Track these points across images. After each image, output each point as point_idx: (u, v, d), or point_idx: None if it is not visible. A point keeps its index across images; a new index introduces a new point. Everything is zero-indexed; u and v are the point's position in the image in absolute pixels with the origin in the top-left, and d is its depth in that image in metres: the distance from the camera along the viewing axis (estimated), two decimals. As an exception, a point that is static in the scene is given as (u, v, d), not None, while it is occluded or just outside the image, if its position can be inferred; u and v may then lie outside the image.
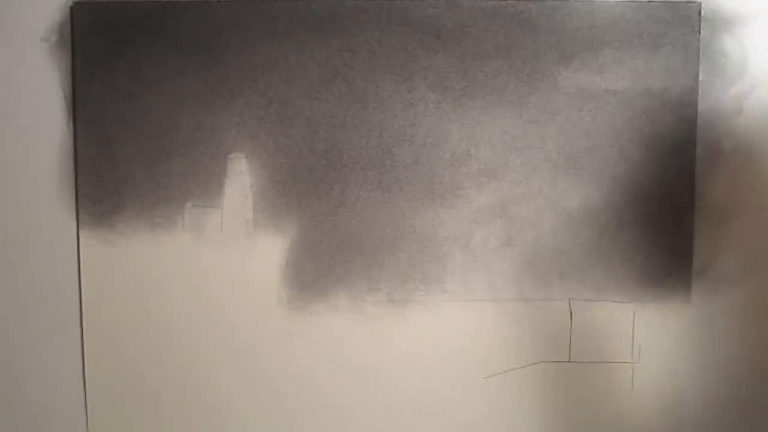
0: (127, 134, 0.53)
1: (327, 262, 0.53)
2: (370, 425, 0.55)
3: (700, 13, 0.52)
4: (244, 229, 0.53)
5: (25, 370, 0.54)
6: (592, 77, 0.52)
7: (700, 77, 0.52)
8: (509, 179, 0.53)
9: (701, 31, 0.52)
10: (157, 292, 0.53)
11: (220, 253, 0.53)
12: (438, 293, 0.54)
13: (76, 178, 0.53)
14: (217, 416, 0.54)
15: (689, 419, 0.54)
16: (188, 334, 0.54)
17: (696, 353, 0.54)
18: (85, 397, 0.54)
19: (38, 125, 0.53)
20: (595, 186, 0.53)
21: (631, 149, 0.53)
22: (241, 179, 0.53)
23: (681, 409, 0.54)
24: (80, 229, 0.53)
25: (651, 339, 0.54)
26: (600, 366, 0.54)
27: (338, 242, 0.53)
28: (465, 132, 0.53)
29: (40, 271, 0.54)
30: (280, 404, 0.54)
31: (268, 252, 0.53)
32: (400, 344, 0.54)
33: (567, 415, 0.54)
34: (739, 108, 0.53)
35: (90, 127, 0.53)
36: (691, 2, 0.52)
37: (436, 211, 0.53)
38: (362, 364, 0.54)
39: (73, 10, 0.52)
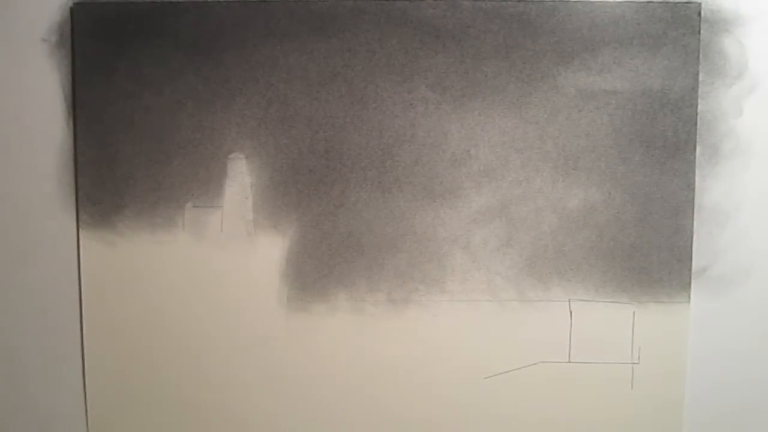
0: (127, 134, 0.53)
1: (327, 262, 0.53)
2: (370, 425, 0.55)
3: (700, 13, 0.52)
4: (244, 229, 0.53)
5: (25, 370, 0.54)
6: (591, 77, 0.52)
7: (700, 77, 0.52)
8: (509, 179, 0.53)
9: (701, 31, 0.52)
10: (157, 292, 0.53)
11: (220, 253, 0.53)
12: (438, 293, 0.54)
13: (76, 178, 0.53)
14: (217, 415, 0.54)
15: (689, 419, 0.54)
16: (188, 334, 0.54)
17: (695, 353, 0.54)
18: (85, 397, 0.54)
19: (38, 125, 0.53)
20: (595, 186, 0.53)
21: (631, 149, 0.53)
22: (241, 179, 0.53)
23: (681, 409, 0.54)
24: (80, 229, 0.53)
25: (651, 339, 0.54)
26: (600, 366, 0.54)
27: (338, 242, 0.53)
28: (465, 132, 0.53)
29: (40, 271, 0.54)
30: (280, 404, 0.54)
31: (268, 252, 0.53)
32: (400, 344, 0.54)
33: (567, 415, 0.54)
34: (739, 108, 0.53)
35: (90, 127, 0.53)
36: (691, 2, 0.52)
37: (436, 211, 0.53)
38: (362, 364, 0.54)
39: (73, 11, 0.52)
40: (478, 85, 0.52)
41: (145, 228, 0.53)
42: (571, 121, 0.53)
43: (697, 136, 0.53)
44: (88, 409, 0.54)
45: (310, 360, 0.54)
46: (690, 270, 0.53)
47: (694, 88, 0.52)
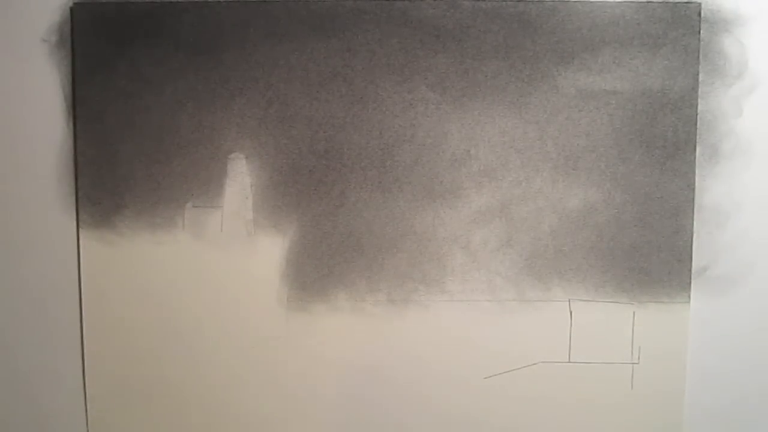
0: (127, 134, 0.53)
1: (327, 262, 0.53)
2: (370, 425, 0.55)
3: (700, 13, 0.52)
4: (244, 229, 0.53)
5: (25, 370, 0.54)
6: (591, 78, 0.52)
7: (700, 77, 0.52)
8: (509, 179, 0.53)
9: (701, 31, 0.52)
10: (157, 292, 0.53)
11: (220, 253, 0.53)
12: (438, 293, 0.54)
13: (76, 178, 0.53)
14: (217, 415, 0.54)
15: (689, 419, 0.54)
16: (188, 334, 0.54)
17: (696, 353, 0.54)
18: (85, 397, 0.54)
19: (38, 125, 0.53)
20: (595, 186, 0.53)
21: (631, 149, 0.53)
22: (241, 179, 0.53)
23: (681, 408, 0.54)
24: (80, 229, 0.53)
25: (651, 339, 0.54)
26: (600, 366, 0.54)
27: (338, 242, 0.53)
28: (465, 132, 0.53)
29: (40, 271, 0.54)
30: (280, 404, 0.54)
31: (268, 252, 0.53)
32: (400, 344, 0.54)
33: (567, 415, 0.54)
34: (739, 108, 0.53)
35: (90, 127, 0.53)
36: (691, 2, 0.52)
37: (436, 211, 0.53)
38: (362, 364, 0.54)
39: (73, 11, 0.52)
40: (478, 85, 0.52)
41: (145, 228, 0.53)
42: (571, 121, 0.52)
43: (697, 136, 0.53)
44: (88, 409, 0.54)
45: (310, 360, 0.54)
46: (690, 270, 0.53)
47: (694, 88, 0.52)
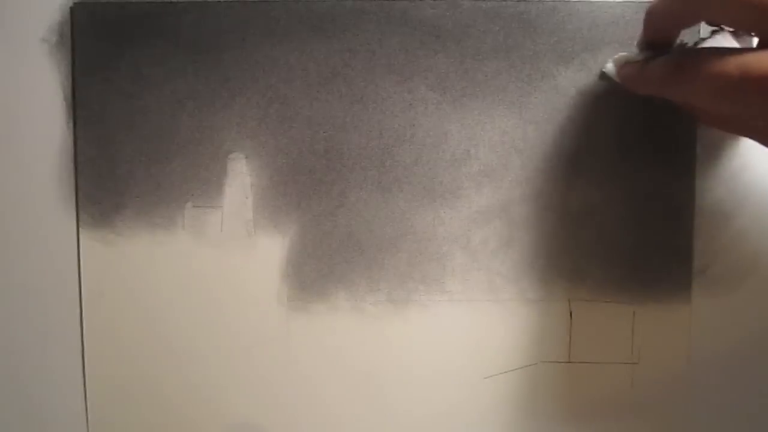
0: (127, 134, 0.53)
1: (327, 262, 0.53)
2: (369, 425, 0.55)
3: (700, 13, 0.52)
4: (244, 229, 0.53)
5: (25, 370, 0.54)
6: (592, 77, 0.52)
7: (700, 77, 0.52)
8: (509, 179, 0.53)
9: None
10: (157, 292, 0.53)
11: (220, 253, 0.53)
12: (438, 293, 0.54)
13: (76, 178, 0.53)
14: (217, 416, 0.54)
15: (689, 419, 0.54)
16: (188, 334, 0.54)
17: (696, 353, 0.54)
18: (85, 397, 0.54)
19: (38, 125, 0.53)
20: (595, 186, 0.53)
21: (631, 149, 0.53)
22: (241, 179, 0.53)
23: (681, 409, 0.54)
24: (80, 229, 0.53)
25: (651, 339, 0.54)
26: (600, 366, 0.54)
27: (338, 242, 0.53)
28: (465, 132, 0.53)
29: (40, 271, 0.54)
30: (279, 404, 0.54)
31: (268, 252, 0.53)
32: (400, 344, 0.54)
33: (567, 416, 0.54)
34: (739, 108, 0.53)
35: (90, 127, 0.53)
36: (691, 2, 0.52)
37: (436, 211, 0.53)
38: (362, 364, 0.54)
39: (73, 11, 0.52)
40: (478, 85, 0.52)
41: (145, 228, 0.53)
42: (571, 121, 0.52)
43: (697, 136, 0.53)
44: (88, 409, 0.54)
45: (309, 360, 0.54)
46: (690, 270, 0.53)
47: (694, 88, 0.52)
